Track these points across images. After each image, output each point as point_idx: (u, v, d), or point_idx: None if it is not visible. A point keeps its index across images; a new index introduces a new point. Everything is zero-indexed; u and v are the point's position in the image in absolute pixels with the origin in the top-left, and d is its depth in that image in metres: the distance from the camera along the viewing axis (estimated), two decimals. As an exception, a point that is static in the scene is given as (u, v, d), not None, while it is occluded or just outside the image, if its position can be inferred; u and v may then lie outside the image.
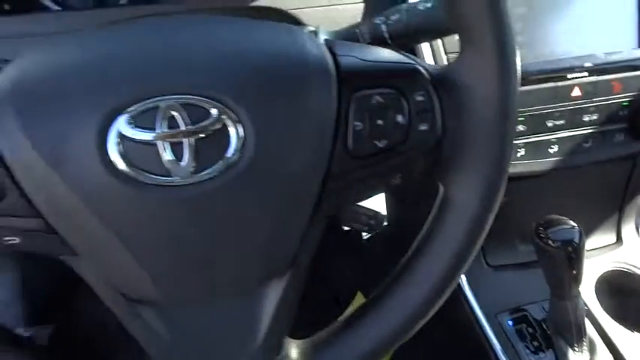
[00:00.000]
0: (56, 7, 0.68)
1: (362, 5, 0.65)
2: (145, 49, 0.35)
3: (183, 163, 0.33)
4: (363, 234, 0.81)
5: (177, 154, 0.33)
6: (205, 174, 0.34)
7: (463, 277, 0.86)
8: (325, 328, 0.45)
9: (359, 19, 0.65)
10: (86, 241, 0.35)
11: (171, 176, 0.33)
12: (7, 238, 0.35)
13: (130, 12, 0.63)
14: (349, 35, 0.49)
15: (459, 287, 0.82)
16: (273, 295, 0.41)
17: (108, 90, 0.33)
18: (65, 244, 0.36)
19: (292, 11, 0.63)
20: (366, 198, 0.42)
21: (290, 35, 0.38)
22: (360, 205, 0.56)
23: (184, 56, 0.34)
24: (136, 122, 0.33)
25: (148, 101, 0.33)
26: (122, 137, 0.33)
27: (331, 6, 0.65)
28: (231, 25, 0.38)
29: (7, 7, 0.64)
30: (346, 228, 0.64)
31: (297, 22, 0.62)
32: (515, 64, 0.36)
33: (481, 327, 0.78)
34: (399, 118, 0.37)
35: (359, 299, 0.92)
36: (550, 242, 0.64)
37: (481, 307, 0.80)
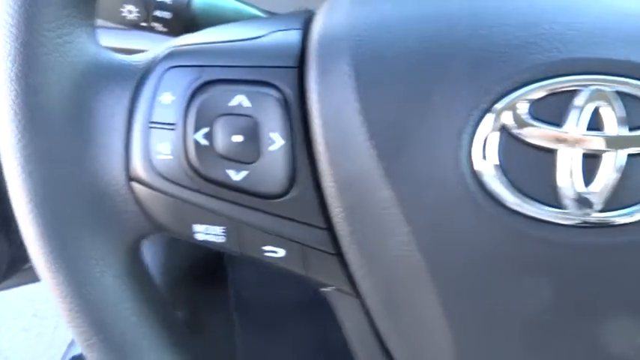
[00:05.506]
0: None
1: None
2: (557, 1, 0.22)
3: (595, 190, 0.20)
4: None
5: (587, 176, 0.19)
6: (624, 216, 0.20)
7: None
8: None
9: None
10: (383, 278, 0.23)
11: (562, 209, 0.20)
12: (268, 249, 0.24)
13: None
14: None
15: None
16: None
17: (497, 55, 0.20)
18: (343, 274, 0.24)
19: None
20: None
21: None
22: None
23: (618, 16, 0.21)
24: (533, 111, 0.20)
25: (561, 80, 0.20)
26: (503, 131, 0.20)
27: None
28: None
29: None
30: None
31: None
32: None
33: None
34: None
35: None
36: None
37: None
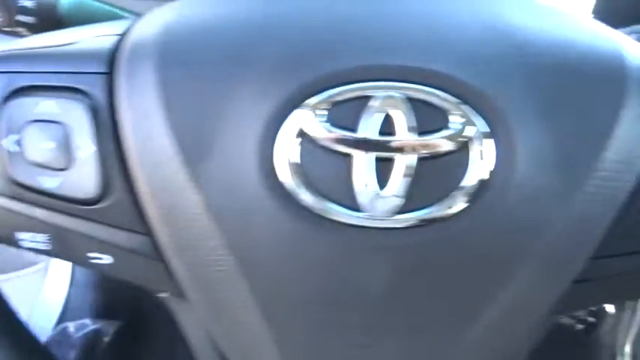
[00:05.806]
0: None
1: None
2: (360, 9, 0.22)
3: (387, 194, 0.20)
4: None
5: (382, 179, 0.20)
6: (416, 217, 0.20)
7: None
8: None
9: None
10: (203, 282, 0.23)
11: (361, 211, 0.20)
12: (93, 255, 0.23)
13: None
14: None
15: None
16: None
17: (295, 62, 0.20)
18: (171, 279, 0.23)
19: None
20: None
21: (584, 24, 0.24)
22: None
23: (416, 25, 0.21)
24: (330, 117, 0.20)
25: (354, 87, 0.20)
26: (303, 136, 0.20)
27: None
28: None
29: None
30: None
31: None
32: None
33: None
34: None
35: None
36: None
37: None
